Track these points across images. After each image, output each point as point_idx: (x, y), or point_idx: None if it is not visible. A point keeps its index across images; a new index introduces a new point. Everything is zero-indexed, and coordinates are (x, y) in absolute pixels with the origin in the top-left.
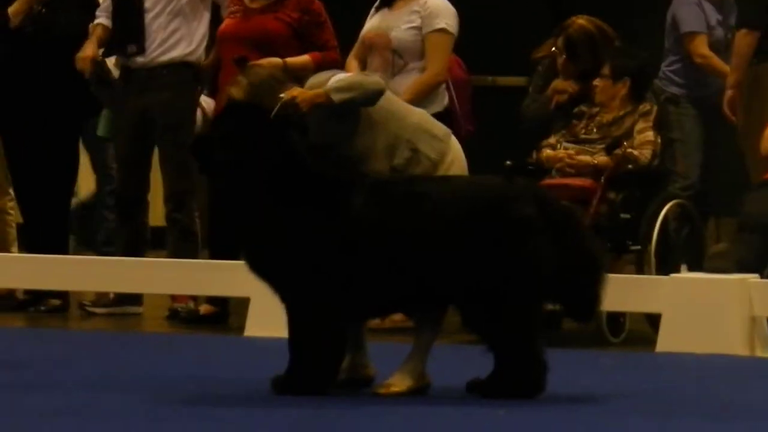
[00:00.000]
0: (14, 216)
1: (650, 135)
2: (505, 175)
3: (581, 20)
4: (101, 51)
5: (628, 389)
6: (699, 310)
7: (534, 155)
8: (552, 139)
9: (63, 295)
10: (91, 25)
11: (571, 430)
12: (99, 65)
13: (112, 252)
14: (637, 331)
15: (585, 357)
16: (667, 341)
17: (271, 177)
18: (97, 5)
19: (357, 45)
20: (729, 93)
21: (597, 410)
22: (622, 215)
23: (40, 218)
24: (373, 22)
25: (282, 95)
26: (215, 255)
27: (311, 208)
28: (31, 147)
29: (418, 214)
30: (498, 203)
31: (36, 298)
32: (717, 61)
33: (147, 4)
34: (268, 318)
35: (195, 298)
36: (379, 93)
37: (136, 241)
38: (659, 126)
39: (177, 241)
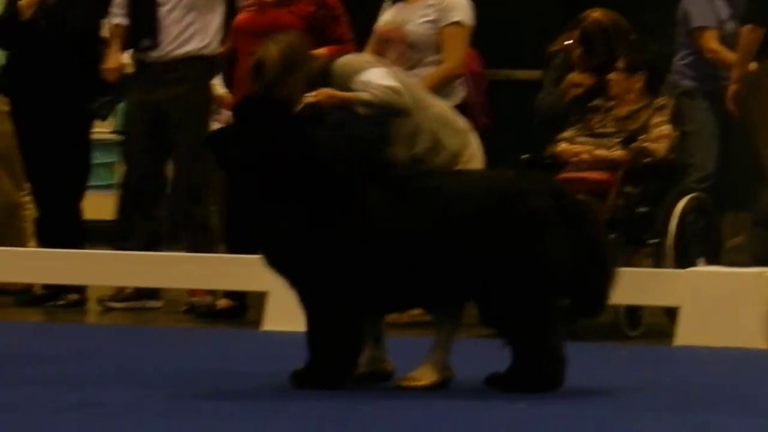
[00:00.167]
0: (30, 211)
1: (666, 129)
2: (521, 168)
3: (596, 13)
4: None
5: (646, 383)
6: (716, 303)
7: (549, 149)
8: (567, 133)
9: (81, 290)
10: (108, 26)
11: (590, 423)
12: None
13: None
14: (655, 325)
15: (603, 350)
16: (684, 335)
17: (287, 172)
18: None
19: (372, 39)
20: (733, 88)
21: (615, 403)
22: (639, 209)
23: (54, 213)
24: (388, 16)
25: (308, 96)
26: (232, 250)
27: (326, 204)
28: (43, 141)
29: (432, 209)
30: (513, 197)
31: (54, 292)
32: (727, 55)
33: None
34: (285, 312)
35: (213, 293)
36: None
37: (153, 235)
38: (675, 120)
39: (193, 236)
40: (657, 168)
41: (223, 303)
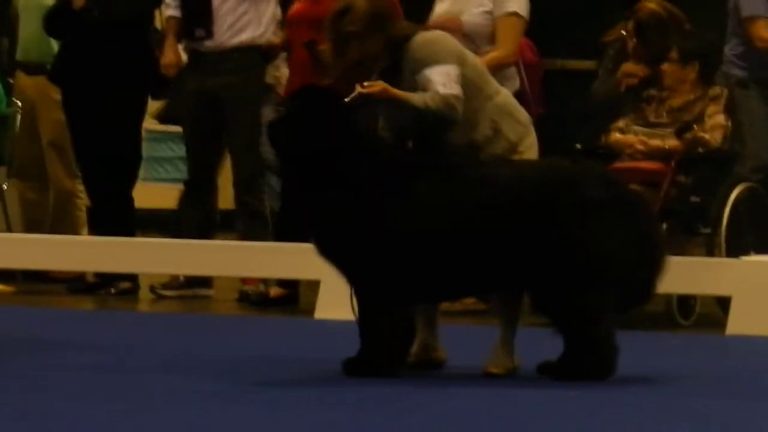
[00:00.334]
0: (83, 199)
1: (721, 119)
2: (574, 158)
3: (651, 4)
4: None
5: (698, 371)
6: None
7: (603, 139)
8: (621, 123)
9: (133, 278)
10: (161, 19)
11: (641, 411)
12: None
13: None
14: (708, 314)
15: (655, 339)
16: (737, 324)
17: (340, 162)
18: None
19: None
20: None
21: (667, 392)
22: (693, 198)
23: (106, 201)
24: (444, 6)
25: (360, 87)
26: (283, 238)
27: (379, 193)
28: (95, 130)
29: (484, 197)
30: (565, 186)
31: (106, 280)
32: None
33: None
34: (338, 300)
35: (265, 281)
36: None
37: (206, 224)
38: (729, 110)
39: (247, 224)
40: (710, 158)
41: (275, 291)
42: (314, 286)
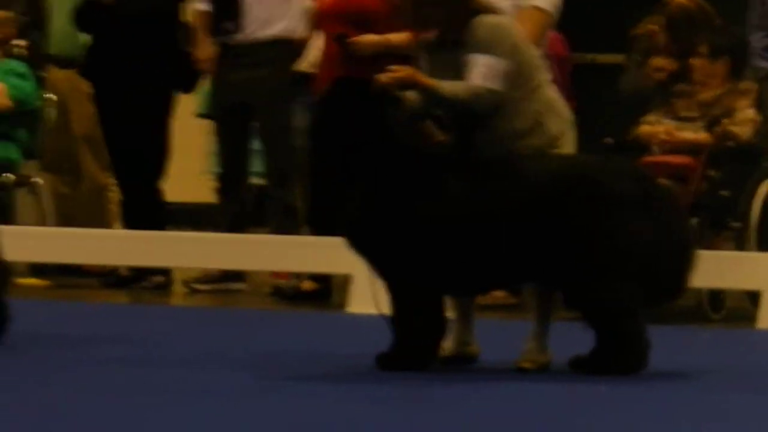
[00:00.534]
0: (116, 192)
1: (751, 113)
2: (604, 152)
3: None
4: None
5: (729, 365)
6: None
7: (633, 133)
8: (651, 117)
9: (166, 272)
10: (191, 13)
11: (672, 406)
12: None
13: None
14: (738, 308)
15: (686, 334)
16: (767, 318)
17: (371, 156)
18: None
19: None
20: None
21: (698, 386)
22: (722, 192)
23: (137, 195)
24: None
25: (387, 73)
26: (316, 232)
27: (410, 187)
28: (124, 124)
29: (514, 191)
30: (595, 180)
31: (139, 274)
32: None
33: None
34: (369, 295)
35: (297, 275)
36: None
37: (239, 217)
38: (759, 104)
39: (279, 218)
40: (740, 151)
41: (307, 285)
42: (347, 280)
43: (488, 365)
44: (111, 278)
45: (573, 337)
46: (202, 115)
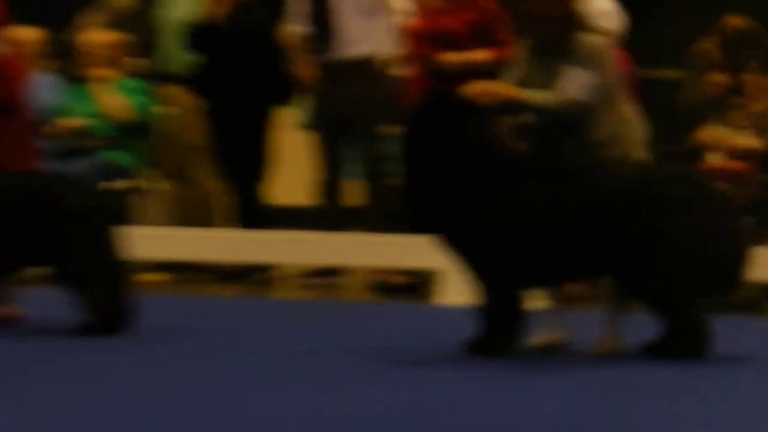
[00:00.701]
0: (225, 196)
1: None
2: (664, 159)
3: (735, 20)
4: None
5: None
6: None
7: (690, 141)
8: (708, 127)
9: (271, 268)
10: (289, 33)
11: (732, 392)
12: None
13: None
14: None
15: (744, 323)
16: None
17: (458, 163)
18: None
19: None
20: None
21: (757, 374)
22: None
23: (243, 198)
24: None
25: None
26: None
27: (493, 191)
28: (231, 133)
29: (587, 196)
30: (656, 185)
31: (247, 270)
32: None
33: (338, 4)
34: (458, 288)
35: (392, 271)
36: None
37: (337, 218)
38: None
39: (373, 219)
40: None
41: (401, 279)
42: (436, 275)
43: (571, 352)
44: (221, 274)
45: (645, 325)
46: (305, 127)
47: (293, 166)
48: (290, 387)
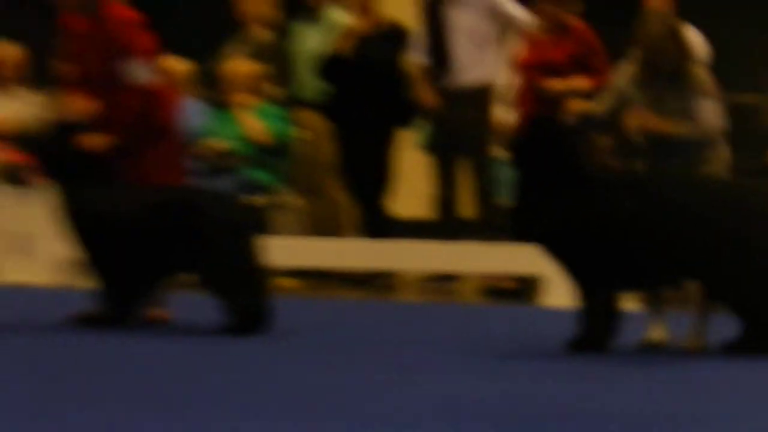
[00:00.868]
0: (353, 210)
1: None
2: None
3: None
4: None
5: None
6: None
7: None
8: None
9: (393, 275)
10: (411, 64)
11: None
12: None
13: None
14: None
15: None
16: None
17: (562, 179)
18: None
19: None
20: None
21: None
22: None
23: (369, 211)
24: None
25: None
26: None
27: (592, 204)
28: (359, 154)
29: (673, 208)
30: (735, 199)
31: (371, 276)
32: None
33: (453, 33)
34: (561, 292)
35: (502, 277)
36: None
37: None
38: None
39: (483, 230)
40: None
41: (510, 284)
42: (542, 280)
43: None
44: (350, 278)
45: (725, 325)
46: (424, 147)
47: (413, 183)
48: (418, 378)
